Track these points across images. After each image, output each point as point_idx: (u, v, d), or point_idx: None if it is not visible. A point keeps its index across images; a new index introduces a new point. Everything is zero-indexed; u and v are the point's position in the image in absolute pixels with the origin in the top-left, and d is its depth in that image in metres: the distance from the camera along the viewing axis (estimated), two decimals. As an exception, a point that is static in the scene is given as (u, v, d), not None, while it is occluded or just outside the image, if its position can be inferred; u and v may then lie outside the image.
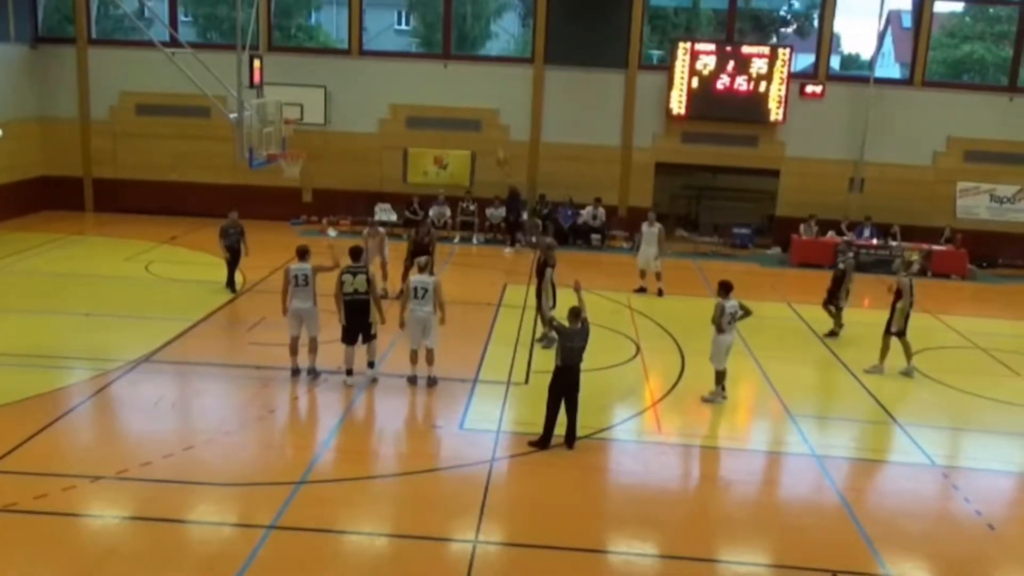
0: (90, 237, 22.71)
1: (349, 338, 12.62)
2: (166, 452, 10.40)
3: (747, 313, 12.76)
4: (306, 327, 12.84)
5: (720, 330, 12.72)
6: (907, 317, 14.25)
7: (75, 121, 25.21)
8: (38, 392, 11.99)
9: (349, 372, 12.74)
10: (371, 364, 12.87)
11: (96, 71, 24.98)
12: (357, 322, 12.56)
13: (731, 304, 12.66)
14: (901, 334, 14.30)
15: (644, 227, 18.99)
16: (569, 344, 10.82)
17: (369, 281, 12.57)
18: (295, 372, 12.98)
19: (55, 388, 12.28)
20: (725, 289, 12.85)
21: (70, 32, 25.44)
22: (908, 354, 14.41)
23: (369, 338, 12.72)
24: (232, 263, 17.49)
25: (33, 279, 18.15)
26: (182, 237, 22.47)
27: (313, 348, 12.92)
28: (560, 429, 11.05)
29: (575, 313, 11.04)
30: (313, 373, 12.99)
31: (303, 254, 12.99)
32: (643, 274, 19.04)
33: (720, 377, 12.90)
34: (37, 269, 18.98)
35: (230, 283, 17.53)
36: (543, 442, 11.00)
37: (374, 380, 12.87)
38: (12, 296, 16.87)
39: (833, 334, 16.50)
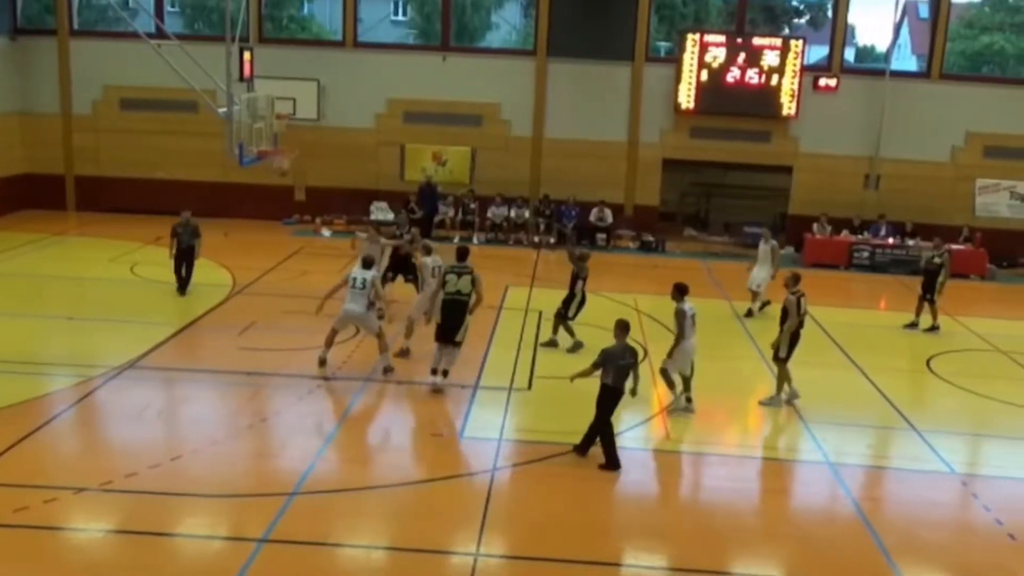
0: (72, 237, 22.50)
1: (442, 336, 12.51)
2: (152, 462, 10.16)
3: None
4: (363, 329, 12.84)
5: (683, 336, 12.11)
6: (795, 341, 12.72)
7: (56, 116, 24.74)
8: (18, 400, 11.71)
9: (434, 372, 12.56)
10: (445, 373, 12.56)
11: (78, 64, 24.51)
12: (454, 322, 12.45)
13: (690, 307, 12.24)
14: (783, 360, 12.70)
15: (760, 244, 17.88)
16: (622, 362, 10.53)
17: (474, 282, 12.56)
18: (322, 363, 13.03)
19: (36, 395, 12.03)
20: (681, 292, 12.28)
21: (51, 23, 25.00)
22: (780, 383, 12.83)
23: (455, 343, 12.55)
24: (186, 264, 17.05)
25: (13, 281, 17.82)
26: (168, 238, 21.61)
27: (383, 348, 12.96)
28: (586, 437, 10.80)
29: (623, 327, 10.76)
30: (388, 371, 13.03)
31: (369, 263, 13.23)
32: (755, 295, 17.82)
33: (688, 383, 12.34)
34: (17, 271, 18.62)
35: (183, 286, 17.06)
36: (613, 463, 10.63)
37: (439, 391, 12.55)
38: (-9, 299, 16.56)
39: (934, 328, 17.04)
